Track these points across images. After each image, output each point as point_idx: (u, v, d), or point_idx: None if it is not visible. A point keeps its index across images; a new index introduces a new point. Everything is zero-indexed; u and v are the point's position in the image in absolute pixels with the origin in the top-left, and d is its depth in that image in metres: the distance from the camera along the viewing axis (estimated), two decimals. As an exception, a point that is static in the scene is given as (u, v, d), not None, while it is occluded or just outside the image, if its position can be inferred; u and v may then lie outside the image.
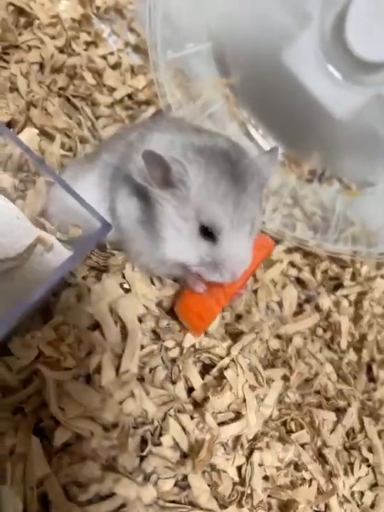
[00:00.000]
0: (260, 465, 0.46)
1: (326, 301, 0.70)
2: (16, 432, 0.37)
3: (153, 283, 0.46)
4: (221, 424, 0.44)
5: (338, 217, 0.80)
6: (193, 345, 0.47)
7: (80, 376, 0.39)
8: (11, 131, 0.48)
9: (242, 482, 0.43)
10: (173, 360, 0.47)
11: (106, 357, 0.39)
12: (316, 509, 0.50)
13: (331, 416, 0.60)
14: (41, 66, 0.65)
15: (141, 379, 0.42)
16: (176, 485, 0.39)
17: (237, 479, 0.43)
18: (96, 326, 0.41)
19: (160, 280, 0.47)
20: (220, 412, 0.45)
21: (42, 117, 0.56)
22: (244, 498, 0.42)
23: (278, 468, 0.48)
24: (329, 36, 0.79)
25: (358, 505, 0.56)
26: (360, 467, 0.59)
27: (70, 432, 0.36)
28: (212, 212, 0.38)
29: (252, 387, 0.47)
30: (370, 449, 0.61)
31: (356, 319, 0.72)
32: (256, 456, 0.45)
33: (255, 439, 0.47)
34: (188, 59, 0.79)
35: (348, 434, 0.62)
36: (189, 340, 0.45)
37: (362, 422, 0.63)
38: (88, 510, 0.35)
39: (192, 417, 0.42)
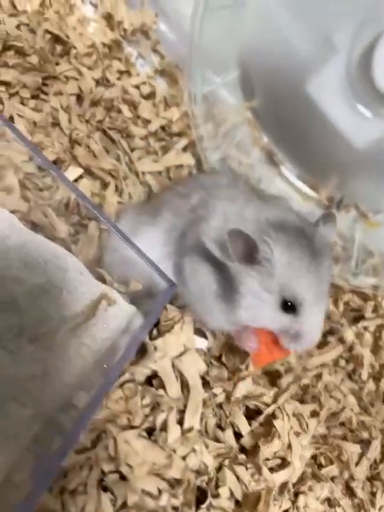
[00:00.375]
0: (305, 507, 0.48)
1: (349, 334, 0.72)
2: (86, 488, 0.38)
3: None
4: (269, 470, 0.46)
5: (358, 248, 0.82)
6: (241, 393, 0.49)
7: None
8: (65, 176, 0.48)
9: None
10: (220, 406, 0.49)
11: (171, 415, 0.40)
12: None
13: (356, 448, 0.63)
14: (78, 98, 0.65)
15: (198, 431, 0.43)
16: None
17: (285, 524, 0.46)
18: (158, 381, 0.42)
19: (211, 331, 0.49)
20: (267, 459, 0.47)
21: (87, 157, 0.56)
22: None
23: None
24: (355, 70, 0.80)
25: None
26: (381, 496, 0.62)
27: (139, 489, 0.38)
28: (297, 288, 0.40)
29: (297, 433, 0.50)
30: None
31: (375, 350, 0.74)
32: (301, 500, 0.48)
33: (299, 482, 0.49)
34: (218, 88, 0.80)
35: (370, 465, 0.64)
36: (240, 390, 0.47)
37: (382, 452, 0.66)
38: None
39: (246, 468, 0.44)
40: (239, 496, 0.43)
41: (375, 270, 0.77)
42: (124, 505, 0.38)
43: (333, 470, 0.58)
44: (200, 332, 0.48)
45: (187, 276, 0.44)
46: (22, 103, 0.59)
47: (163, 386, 0.42)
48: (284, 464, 0.48)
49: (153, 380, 0.44)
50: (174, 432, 0.40)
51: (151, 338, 0.43)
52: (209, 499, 0.41)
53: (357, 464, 0.63)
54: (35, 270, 0.41)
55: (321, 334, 0.43)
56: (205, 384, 0.47)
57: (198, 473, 0.42)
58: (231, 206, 0.44)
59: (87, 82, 0.64)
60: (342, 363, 0.72)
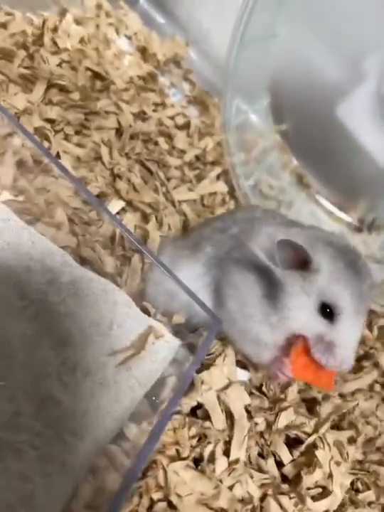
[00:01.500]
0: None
1: (383, 358, 0.72)
2: (137, 516, 0.40)
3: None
4: (311, 498, 0.47)
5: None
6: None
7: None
8: (109, 210, 0.50)
9: None
10: (261, 434, 0.50)
11: (218, 446, 0.41)
12: None
13: (393, 474, 0.63)
14: (118, 131, 0.68)
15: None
16: None
17: None
18: (203, 412, 0.44)
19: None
20: (309, 488, 0.48)
21: (128, 190, 0.59)
22: None
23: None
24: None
25: None
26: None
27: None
28: (338, 293, 0.42)
29: (337, 463, 0.50)
30: None
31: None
32: (343, 529, 0.48)
33: (339, 509, 0.50)
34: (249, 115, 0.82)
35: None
36: (282, 420, 0.48)
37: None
38: None
39: (290, 497, 0.45)
40: (283, 526, 0.44)
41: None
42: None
43: (370, 495, 0.59)
44: (241, 364, 0.50)
45: (227, 291, 0.46)
46: (66, 139, 0.62)
47: (208, 417, 0.43)
48: (325, 492, 0.48)
49: (197, 410, 0.45)
50: (221, 463, 0.41)
51: (196, 371, 0.45)
52: (255, 529, 0.42)
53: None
54: (87, 305, 0.43)
55: (355, 354, 0.43)
56: (247, 414, 0.49)
57: (244, 502, 0.44)
58: (275, 228, 0.45)
59: (126, 116, 0.67)
60: (377, 387, 0.72)
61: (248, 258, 0.44)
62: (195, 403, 0.44)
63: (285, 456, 0.49)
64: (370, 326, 0.77)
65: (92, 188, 0.58)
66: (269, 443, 0.49)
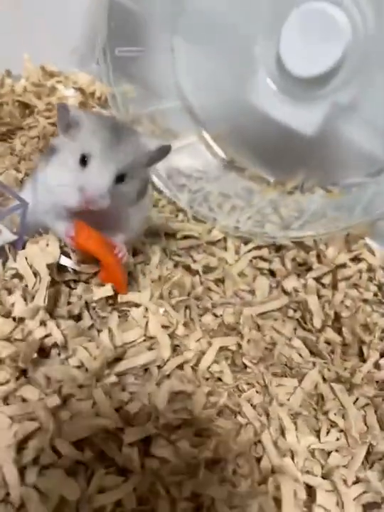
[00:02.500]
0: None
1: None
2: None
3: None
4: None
5: (311, 213, 0.84)
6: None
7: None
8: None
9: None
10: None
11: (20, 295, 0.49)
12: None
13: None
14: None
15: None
16: None
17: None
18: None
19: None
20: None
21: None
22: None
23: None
24: (275, 69, 0.91)
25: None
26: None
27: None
28: (90, 143, 0.49)
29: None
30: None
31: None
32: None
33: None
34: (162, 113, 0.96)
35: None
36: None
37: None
38: None
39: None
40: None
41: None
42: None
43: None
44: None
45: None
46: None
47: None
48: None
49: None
50: (20, 306, 0.49)
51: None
52: None
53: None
54: None
55: (99, 190, 0.48)
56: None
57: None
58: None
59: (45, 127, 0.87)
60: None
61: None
62: (14, 271, 0.53)
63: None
64: (283, 260, 0.78)
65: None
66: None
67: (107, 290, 0.54)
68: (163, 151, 0.56)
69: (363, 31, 0.81)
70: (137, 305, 0.56)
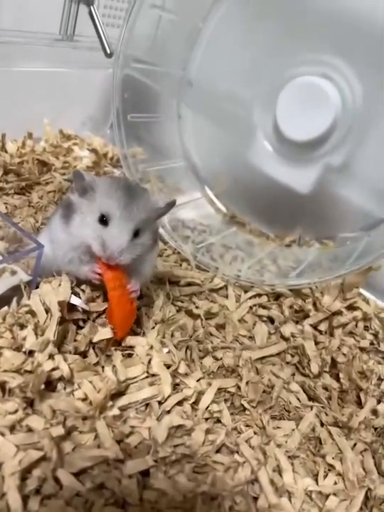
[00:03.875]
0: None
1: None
2: None
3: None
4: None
5: (308, 264, 0.88)
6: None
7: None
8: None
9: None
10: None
11: (32, 329, 0.53)
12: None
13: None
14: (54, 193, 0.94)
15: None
16: None
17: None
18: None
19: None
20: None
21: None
22: None
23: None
24: (272, 133, 1.00)
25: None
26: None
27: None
28: (108, 205, 0.55)
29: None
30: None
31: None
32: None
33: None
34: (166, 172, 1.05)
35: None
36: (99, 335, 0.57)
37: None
38: None
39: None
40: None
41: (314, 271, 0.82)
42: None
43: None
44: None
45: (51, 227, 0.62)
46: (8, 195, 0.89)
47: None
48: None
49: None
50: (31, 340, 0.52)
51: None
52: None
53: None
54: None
55: (120, 246, 0.53)
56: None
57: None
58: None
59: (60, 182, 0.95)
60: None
61: (64, 201, 0.62)
62: (27, 308, 0.57)
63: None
64: (281, 307, 0.81)
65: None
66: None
67: (107, 333, 0.58)
68: (170, 206, 0.63)
69: (352, 102, 0.90)
70: (141, 344, 0.59)
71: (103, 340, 0.58)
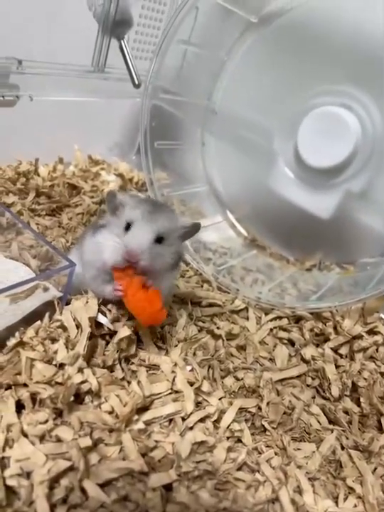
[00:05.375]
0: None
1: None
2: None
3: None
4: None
5: (328, 288, 0.89)
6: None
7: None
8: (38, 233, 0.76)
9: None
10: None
11: (64, 344, 0.55)
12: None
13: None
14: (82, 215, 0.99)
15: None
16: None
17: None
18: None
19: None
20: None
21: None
22: None
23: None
24: (292, 160, 1.03)
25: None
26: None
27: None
28: (133, 213, 0.59)
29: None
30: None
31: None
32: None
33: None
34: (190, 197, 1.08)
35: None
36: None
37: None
38: None
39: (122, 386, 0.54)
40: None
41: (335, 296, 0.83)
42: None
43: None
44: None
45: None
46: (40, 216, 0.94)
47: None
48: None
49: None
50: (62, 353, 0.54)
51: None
52: None
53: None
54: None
55: (140, 247, 0.56)
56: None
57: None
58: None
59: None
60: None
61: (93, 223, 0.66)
62: (59, 323, 0.59)
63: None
64: (301, 330, 0.82)
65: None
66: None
67: (126, 331, 0.60)
68: (195, 228, 0.65)
69: (371, 129, 0.93)
70: (166, 361, 0.61)
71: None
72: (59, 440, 0.50)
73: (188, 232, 0.65)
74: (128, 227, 0.59)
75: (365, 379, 0.74)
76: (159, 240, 0.59)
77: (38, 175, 1.05)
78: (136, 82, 1.12)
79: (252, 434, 0.61)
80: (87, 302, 0.61)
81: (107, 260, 0.59)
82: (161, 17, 1.21)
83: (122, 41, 1.13)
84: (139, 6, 1.15)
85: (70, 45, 1.17)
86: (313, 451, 0.61)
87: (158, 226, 0.58)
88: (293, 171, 1.04)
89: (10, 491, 0.44)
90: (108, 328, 0.63)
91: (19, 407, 0.51)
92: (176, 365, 0.61)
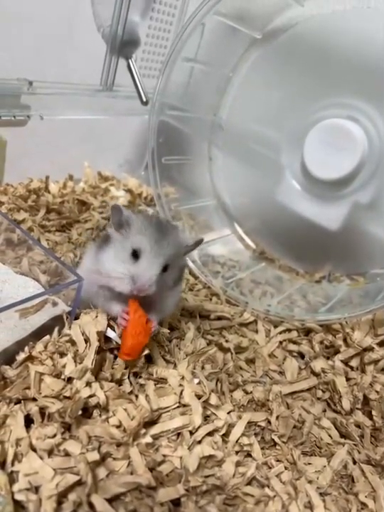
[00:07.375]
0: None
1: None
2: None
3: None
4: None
5: (338, 299, 0.89)
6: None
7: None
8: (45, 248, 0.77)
9: None
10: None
11: (72, 358, 0.56)
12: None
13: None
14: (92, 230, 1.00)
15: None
16: None
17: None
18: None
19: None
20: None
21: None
22: None
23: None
24: (300, 173, 1.03)
25: None
26: None
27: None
28: (139, 241, 0.58)
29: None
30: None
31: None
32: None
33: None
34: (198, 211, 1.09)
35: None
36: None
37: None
38: None
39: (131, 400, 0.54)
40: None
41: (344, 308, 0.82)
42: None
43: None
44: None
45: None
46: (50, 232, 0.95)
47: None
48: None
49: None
50: (70, 367, 0.55)
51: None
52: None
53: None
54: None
55: (150, 280, 0.56)
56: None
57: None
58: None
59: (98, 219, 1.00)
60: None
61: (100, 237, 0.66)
62: (68, 337, 0.60)
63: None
64: (311, 343, 0.81)
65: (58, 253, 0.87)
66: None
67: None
68: (197, 244, 0.66)
69: (378, 141, 0.93)
70: (173, 374, 0.61)
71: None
72: (67, 454, 0.50)
73: (190, 248, 0.66)
74: (135, 254, 0.58)
75: (376, 392, 0.73)
76: (165, 267, 0.59)
77: (49, 192, 1.07)
78: (144, 100, 1.14)
79: (262, 449, 0.61)
80: (96, 317, 0.61)
81: (115, 288, 0.59)
82: (167, 36, 1.23)
83: (130, 60, 1.15)
84: (146, 26, 1.17)
85: (79, 65, 1.20)
86: (324, 466, 0.60)
87: (165, 257, 0.58)
88: (300, 184, 1.04)
89: (18, 505, 0.44)
90: (116, 342, 0.63)
91: (28, 421, 0.51)
92: (183, 378, 0.61)
